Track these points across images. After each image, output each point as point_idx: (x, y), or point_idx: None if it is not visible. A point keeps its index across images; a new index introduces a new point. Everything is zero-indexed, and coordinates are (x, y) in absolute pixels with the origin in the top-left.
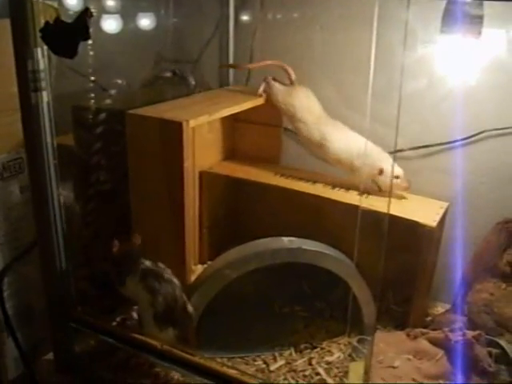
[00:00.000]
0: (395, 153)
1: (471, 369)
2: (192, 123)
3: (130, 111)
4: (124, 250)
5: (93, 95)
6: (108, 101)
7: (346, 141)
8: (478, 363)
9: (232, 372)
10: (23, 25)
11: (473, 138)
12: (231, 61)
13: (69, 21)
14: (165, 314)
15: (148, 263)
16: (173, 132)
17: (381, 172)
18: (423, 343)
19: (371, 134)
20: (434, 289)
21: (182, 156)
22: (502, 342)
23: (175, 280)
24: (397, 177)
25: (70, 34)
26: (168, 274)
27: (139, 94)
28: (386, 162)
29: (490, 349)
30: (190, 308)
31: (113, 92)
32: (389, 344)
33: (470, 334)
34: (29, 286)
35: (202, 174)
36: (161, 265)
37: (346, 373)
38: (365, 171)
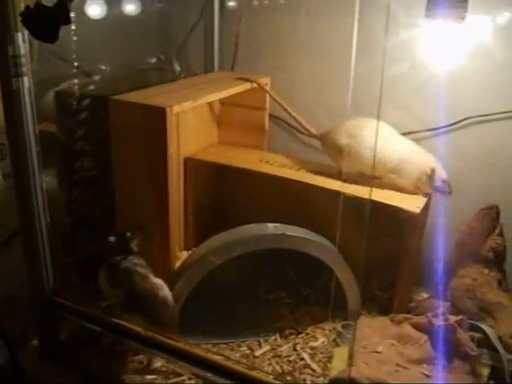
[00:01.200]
0: None
1: (454, 353)
2: (176, 109)
3: (114, 97)
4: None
5: (76, 81)
6: (91, 87)
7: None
8: (460, 347)
9: (216, 358)
10: (3, 9)
11: (458, 125)
12: (216, 46)
13: (49, 5)
14: (129, 304)
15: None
16: (156, 118)
17: (432, 172)
18: (407, 328)
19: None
20: (418, 275)
21: (166, 142)
22: (484, 327)
23: (145, 272)
24: (444, 181)
25: (50, 19)
26: (138, 266)
27: (123, 79)
28: (432, 162)
29: (472, 333)
30: (168, 298)
31: (96, 78)
32: (373, 329)
33: (453, 318)
34: (13, 273)
35: (186, 161)
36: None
37: (330, 358)
38: (414, 174)
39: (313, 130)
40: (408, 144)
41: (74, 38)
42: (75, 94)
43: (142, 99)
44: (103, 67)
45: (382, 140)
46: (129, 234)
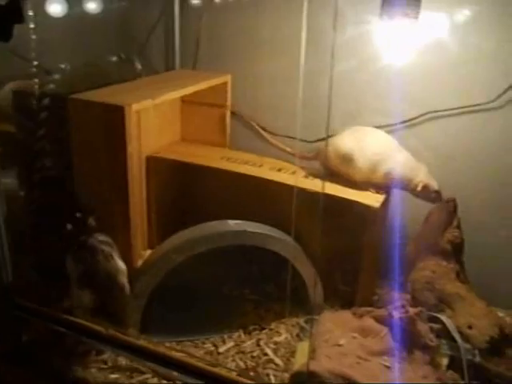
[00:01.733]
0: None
1: (414, 344)
2: (135, 107)
3: (72, 96)
4: None
5: (36, 80)
6: (51, 85)
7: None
8: (420, 338)
9: (180, 355)
10: None
11: (416, 120)
12: (177, 44)
13: (2, 3)
14: (84, 278)
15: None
16: (115, 116)
17: (424, 188)
18: (368, 321)
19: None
20: (380, 268)
21: (125, 141)
22: (443, 318)
23: (109, 251)
24: (436, 191)
25: (3, 17)
26: (104, 244)
27: (83, 78)
28: (421, 173)
29: (431, 324)
30: (126, 286)
31: (56, 76)
32: (335, 323)
33: (412, 310)
34: None
35: (148, 159)
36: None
37: (294, 352)
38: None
39: (307, 154)
40: (404, 154)
41: (33, 37)
42: (34, 92)
43: (101, 98)
44: (63, 66)
45: (383, 147)
46: (78, 214)
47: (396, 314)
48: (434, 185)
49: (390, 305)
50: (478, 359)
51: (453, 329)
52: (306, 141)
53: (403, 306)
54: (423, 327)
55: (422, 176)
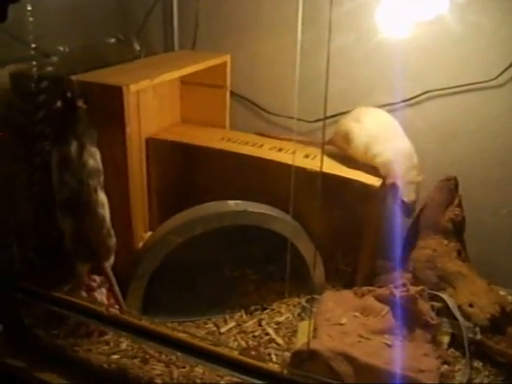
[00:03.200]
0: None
1: (415, 322)
2: (133, 88)
3: (70, 77)
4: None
5: (34, 63)
6: (49, 68)
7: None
8: (421, 317)
9: (182, 335)
10: None
11: (416, 99)
12: (176, 25)
13: None
14: (67, 205)
15: (73, 150)
16: (113, 97)
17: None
18: (370, 300)
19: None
20: (381, 248)
21: (124, 121)
22: (444, 296)
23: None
24: (403, 201)
25: None
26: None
27: (82, 60)
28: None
29: (432, 303)
30: (100, 211)
31: (55, 59)
32: (337, 302)
33: (414, 289)
34: None
35: (148, 141)
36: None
37: (295, 332)
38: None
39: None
40: (401, 143)
41: (31, 19)
42: (33, 75)
43: (99, 78)
44: (61, 48)
45: (379, 129)
46: (69, 93)
47: (397, 293)
48: (409, 195)
49: (391, 284)
50: (478, 337)
51: (454, 307)
52: (306, 121)
53: (404, 285)
54: (424, 306)
55: (407, 176)
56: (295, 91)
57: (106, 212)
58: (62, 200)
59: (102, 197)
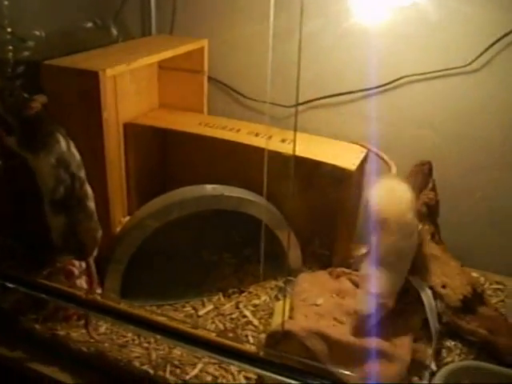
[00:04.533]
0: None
1: None
2: (109, 72)
3: (46, 62)
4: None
5: (10, 47)
6: (26, 53)
7: None
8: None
9: (160, 319)
10: None
11: (393, 84)
12: (153, 10)
13: None
14: (60, 202)
15: (64, 146)
16: (89, 82)
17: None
18: (346, 284)
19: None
20: (358, 231)
21: (100, 106)
22: (411, 278)
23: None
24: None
25: None
26: (74, 164)
27: (58, 45)
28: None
29: None
30: (90, 204)
31: (31, 43)
32: (312, 284)
33: None
34: None
35: (125, 126)
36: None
37: (272, 314)
38: None
39: None
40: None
41: (6, 3)
42: (9, 60)
43: (75, 63)
44: (37, 33)
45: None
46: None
47: None
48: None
49: None
50: (446, 319)
51: (421, 287)
52: (282, 105)
53: None
54: None
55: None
56: (268, 77)
57: (93, 204)
58: (56, 198)
59: (89, 189)
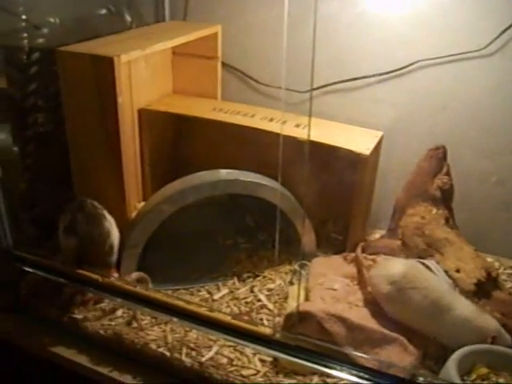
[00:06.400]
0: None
1: None
2: (124, 58)
3: (61, 48)
4: None
5: (25, 35)
6: (40, 40)
7: None
8: None
9: (177, 302)
10: None
11: (407, 68)
12: None
13: None
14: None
15: None
16: (104, 68)
17: None
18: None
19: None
20: (373, 216)
21: (115, 92)
22: (428, 263)
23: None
24: None
25: None
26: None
27: (73, 32)
28: None
29: None
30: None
31: (45, 31)
32: (328, 268)
33: None
34: None
35: (140, 112)
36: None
37: (286, 298)
38: None
39: None
40: None
41: None
42: (24, 47)
43: (90, 49)
44: (52, 20)
45: None
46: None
47: None
48: None
49: (381, 251)
50: None
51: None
52: (296, 91)
53: None
54: None
55: None
56: (283, 62)
57: (111, 226)
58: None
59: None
